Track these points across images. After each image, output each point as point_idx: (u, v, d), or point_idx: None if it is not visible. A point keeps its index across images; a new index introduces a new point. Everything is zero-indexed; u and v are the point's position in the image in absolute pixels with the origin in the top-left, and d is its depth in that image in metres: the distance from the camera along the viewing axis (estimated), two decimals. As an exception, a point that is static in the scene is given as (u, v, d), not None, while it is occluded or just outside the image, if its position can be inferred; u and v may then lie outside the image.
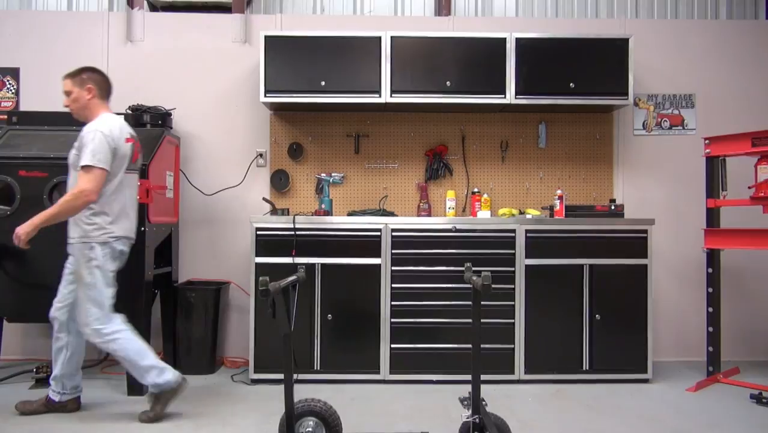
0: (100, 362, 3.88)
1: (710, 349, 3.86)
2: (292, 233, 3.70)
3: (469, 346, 2.38)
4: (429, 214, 4.25)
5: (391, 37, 3.99)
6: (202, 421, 3.03)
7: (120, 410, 3.19)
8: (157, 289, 3.97)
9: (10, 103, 4.35)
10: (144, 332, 3.45)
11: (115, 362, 4.02)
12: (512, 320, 3.73)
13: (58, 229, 3.02)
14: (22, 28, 4.38)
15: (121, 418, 3.06)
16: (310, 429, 2.44)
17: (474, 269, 2.45)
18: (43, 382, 3.60)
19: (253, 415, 3.13)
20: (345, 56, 3.99)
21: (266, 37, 3.99)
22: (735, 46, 4.53)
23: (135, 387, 3.43)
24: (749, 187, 3.69)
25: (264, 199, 4.18)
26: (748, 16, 4.70)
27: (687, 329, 4.40)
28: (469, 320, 2.38)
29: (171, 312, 3.98)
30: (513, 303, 3.73)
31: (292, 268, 3.60)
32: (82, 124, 3.04)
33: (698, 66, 4.51)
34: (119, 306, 3.08)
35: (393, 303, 3.72)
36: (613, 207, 3.95)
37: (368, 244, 3.73)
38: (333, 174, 4.24)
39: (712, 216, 3.87)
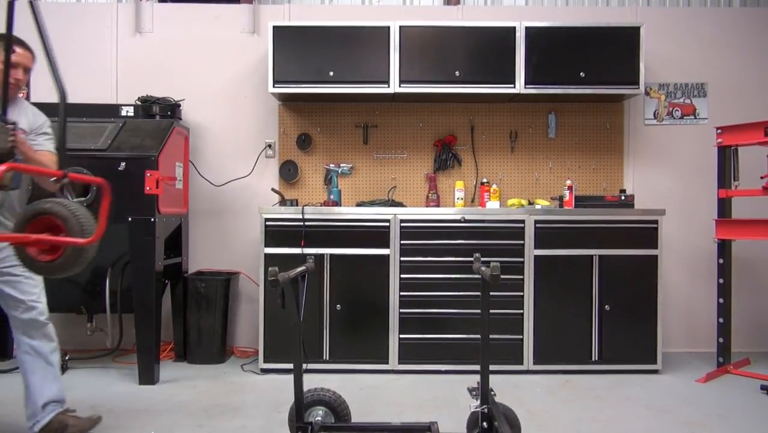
0: (112, 351, 3.91)
1: (720, 340, 3.84)
2: (301, 223, 3.71)
3: (478, 336, 2.38)
4: (438, 205, 4.24)
5: (400, 26, 3.96)
6: (213, 410, 3.06)
7: (132, 399, 3.23)
8: (168, 279, 4.00)
9: (21, 95, 4.36)
10: (155, 322, 3.50)
11: (127, 352, 4.07)
12: (521, 311, 3.73)
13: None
14: (31, 20, 4.38)
15: (133, 407, 3.10)
16: (320, 418, 2.46)
17: (483, 259, 2.45)
18: (56, 371, 3.64)
19: (263, 404, 3.16)
20: (353, 46, 3.97)
21: (274, 28, 3.98)
22: (748, 35, 4.46)
23: (146, 376, 3.47)
24: (762, 177, 3.65)
25: (273, 189, 4.19)
26: (761, 4, 4.62)
27: (697, 320, 4.37)
28: (478, 311, 2.37)
29: (181, 302, 4.01)
30: (522, 294, 3.73)
31: (301, 258, 3.61)
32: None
33: (711, 55, 4.46)
34: (131, 297, 3.08)
35: (402, 293, 3.72)
36: (623, 197, 3.93)
37: (377, 234, 3.73)
38: (341, 165, 4.24)
39: (724, 206, 3.83)
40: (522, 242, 3.74)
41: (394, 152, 4.41)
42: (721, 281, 3.85)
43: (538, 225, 3.74)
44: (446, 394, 3.31)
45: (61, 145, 2.21)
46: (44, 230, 2.19)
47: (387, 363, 3.72)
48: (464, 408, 2.48)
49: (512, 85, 3.98)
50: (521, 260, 3.73)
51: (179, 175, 3.98)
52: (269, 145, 4.39)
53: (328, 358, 3.72)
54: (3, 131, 2.09)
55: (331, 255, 3.72)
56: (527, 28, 3.97)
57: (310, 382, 2.62)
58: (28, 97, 4.37)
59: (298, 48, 3.96)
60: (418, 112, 4.40)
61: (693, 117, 4.46)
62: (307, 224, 3.71)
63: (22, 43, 2.62)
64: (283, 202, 4.08)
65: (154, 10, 4.42)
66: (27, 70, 2.65)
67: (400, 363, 3.72)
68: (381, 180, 4.40)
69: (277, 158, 4.40)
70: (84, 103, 3.92)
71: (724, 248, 3.84)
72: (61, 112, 2.16)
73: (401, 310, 3.72)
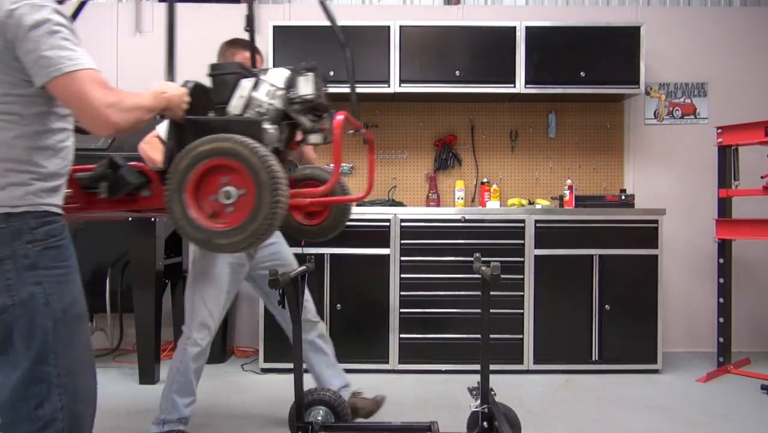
0: (112, 351, 3.91)
1: (721, 340, 3.83)
2: (301, 223, 3.70)
3: (478, 336, 2.38)
4: (438, 205, 4.24)
5: (400, 26, 3.96)
6: (213, 410, 3.06)
7: (132, 399, 3.22)
8: (168, 279, 3.99)
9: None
10: (155, 322, 3.49)
11: (127, 352, 4.07)
12: (521, 311, 3.72)
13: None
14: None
15: (133, 407, 3.10)
16: (320, 418, 2.46)
17: (483, 259, 2.44)
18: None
19: (264, 404, 3.16)
20: (353, 46, 3.93)
21: (275, 27, 3.98)
22: (749, 35, 4.46)
23: (146, 376, 3.47)
24: (762, 177, 3.64)
25: (273, 189, 4.18)
26: (762, 3, 4.62)
27: (697, 320, 4.37)
28: (478, 310, 2.37)
29: (182, 302, 4.00)
30: (522, 293, 3.73)
31: (302, 258, 3.60)
32: None
33: (711, 54, 4.46)
34: (131, 297, 3.09)
35: (402, 293, 3.72)
36: (623, 197, 3.93)
37: (377, 234, 3.73)
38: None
39: (724, 206, 3.83)
40: (522, 241, 3.74)
41: (395, 152, 4.40)
42: (721, 280, 3.85)
43: (538, 225, 3.74)
44: (446, 394, 3.31)
45: (353, 102, 2.22)
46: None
47: (387, 363, 3.72)
48: (464, 408, 2.48)
49: (512, 85, 3.98)
50: (521, 259, 3.73)
51: (179, 175, 3.97)
52: (269, 145, 4.38)
53: (328, 358, 3.71)
54: (319, 77, 1.99)
55: (331, 255, 3.72)
56: (527, 28, 3.96)
57: (310, 382, 2.63)
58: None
59: (299, 48, 3.96)
60: (418, 111, 4.39)
61: (693, 117, 4.46)
62: (307, 223, 3.70)
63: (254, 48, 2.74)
64: (283, 201, 4.07)
65: (155, 10, 4.42)
66: None
67: (400, 363, 3.72)
68: (381, 180, 4.39)
69: (278, 158, 4.39)
70: (84, 103, 3.92)
71: (724, 248, 3.84)
72: (350, 69, 2.30)
73: (401, 310, 3.72)
